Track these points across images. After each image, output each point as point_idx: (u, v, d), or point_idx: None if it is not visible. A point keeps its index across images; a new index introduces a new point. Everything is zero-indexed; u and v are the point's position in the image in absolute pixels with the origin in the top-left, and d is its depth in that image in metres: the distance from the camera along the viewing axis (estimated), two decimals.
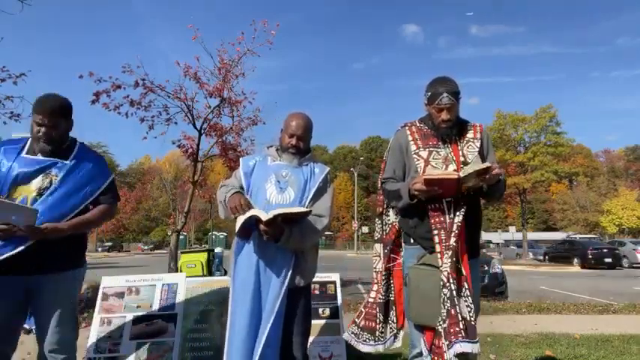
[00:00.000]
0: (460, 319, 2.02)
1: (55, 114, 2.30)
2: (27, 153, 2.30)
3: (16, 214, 2.08)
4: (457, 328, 2.00)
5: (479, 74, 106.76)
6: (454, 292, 2.05)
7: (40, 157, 2.29)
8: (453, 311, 2.03)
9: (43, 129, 2.27)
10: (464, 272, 2.13)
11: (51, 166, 2.29)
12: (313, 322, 2.51)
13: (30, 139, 2.34)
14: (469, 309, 2.07)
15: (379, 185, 2.54)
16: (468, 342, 1.99)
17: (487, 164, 2.09)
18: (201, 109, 8.46)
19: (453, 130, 2.28)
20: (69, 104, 2.38)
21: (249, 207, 2.13)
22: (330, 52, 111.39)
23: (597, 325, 5.47)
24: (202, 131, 8.49)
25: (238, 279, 2.20)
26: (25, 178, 2.22)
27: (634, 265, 22.08)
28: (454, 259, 2.10)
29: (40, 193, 2.23)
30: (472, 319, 2.05)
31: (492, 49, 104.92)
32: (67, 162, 2.33)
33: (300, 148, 2.35)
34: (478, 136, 2.32)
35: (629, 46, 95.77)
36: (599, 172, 64.49)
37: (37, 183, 2.24)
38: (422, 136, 2.32)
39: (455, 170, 2.16)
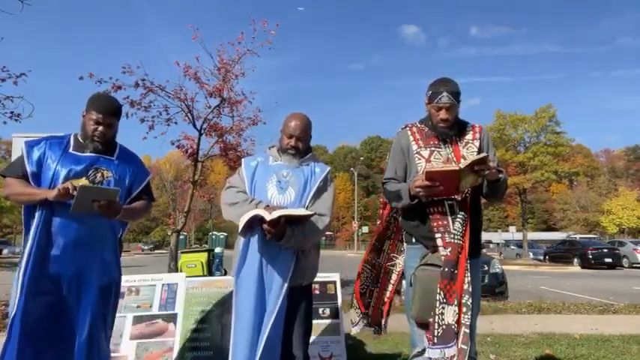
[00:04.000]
0: (439, 325, 2.06)
1: (113, 114, 2.36)
2: (74, 150, 2.32)
3: (98, 197, 2.13)
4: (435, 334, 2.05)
5: (479, 74, 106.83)
6: (443, 297, 2.06)
7: (88, 153, 2.31)
8: (437, 318, 2.06)
9: (100, 128, 2.31)
10: (460, 274, 2.11)
11: (99, 161, 2.33)
12: (313, 322, 2.51)
13: (73, 136, 2.37)
14: (455, 313, 2.06)
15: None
16: (436, 348, 2.05)
17: (483, 154, 2.09)
18: (201, 109, 8.48)
19: (451, 131, 2.29)
20: (121, 106, 2.48)
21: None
22: (330, 52, 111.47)
23: (597, 325, 5.47)
24: (202, 131, 8.50)
25: (241, 278, 2.21)
26: (77, 174, 2.25)
27: (634, 265, 22.04)
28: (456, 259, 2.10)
29: None
30: (453, 323, 2.05)
31: (493, 49, 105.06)
32: (113, 158, 2.39)
33: (299, 148, 2.36)
34: (477, 136, 2.33)
35: (629, 45, 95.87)
36: (599, 172, 64.44)
37: (89, 177, 2.28)
38: (423, 136, 2.32)
39: (455, 162, 2.17)
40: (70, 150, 2.31)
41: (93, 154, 2.32)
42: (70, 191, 2.07)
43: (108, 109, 2.33)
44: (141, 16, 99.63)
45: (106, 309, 2.31)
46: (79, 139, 2.36)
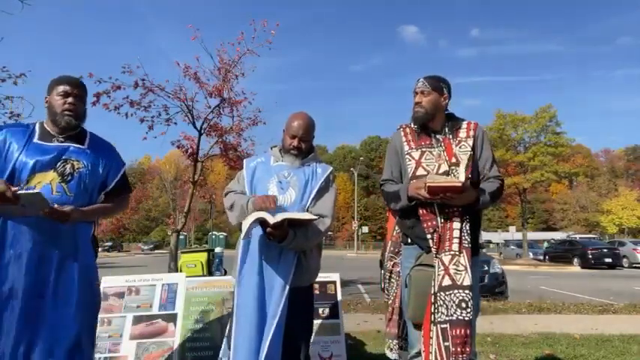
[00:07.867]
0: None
1: (79, 86, 2.20)
2: (40, 139, 2.12)
3: (26, 203, 1.89)
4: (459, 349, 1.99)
5: (479, 74, 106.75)
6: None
7: (55, 143, 2.12)
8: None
9: (70, 99, 2.12)
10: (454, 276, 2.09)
11: (68, 151, 2.14)
12: (314, 322, 2.51)
13: (39, 124, 2.18)
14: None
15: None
16: None
17: (460, 181, 2.05)
18: (201, 109, 8.47)
19: (425, 117, 2.25)
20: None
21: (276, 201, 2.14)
22: (329, 52, 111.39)
23: (597, 325, 5.48)
24: (202, 131, 8.50)
25: (242, 279, 2.20)
26: (44, 166, 2.06)
27: (634, 265, 22.04)
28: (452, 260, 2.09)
29: (65, 180, 2.09)
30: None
31: (493, 49, 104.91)
32: (84, 147, 2.20)
33: (302, 149, 2.34)
34: (471, 134, 2.27)
35: (630, 45, 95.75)
36: (599, 172, 64.44)
37: (58, 169, 2.08)
38: (415, 137, 2.31)
39: (450, 174, 2.15)
40: (35, 139, 2.10)
41: (61, 144, 2.12)
42: None
43: (74, 80, 2.19)
44: (141, 15, 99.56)
45: (79, 315, 2.08)
46: (46, 127, 2.15)
